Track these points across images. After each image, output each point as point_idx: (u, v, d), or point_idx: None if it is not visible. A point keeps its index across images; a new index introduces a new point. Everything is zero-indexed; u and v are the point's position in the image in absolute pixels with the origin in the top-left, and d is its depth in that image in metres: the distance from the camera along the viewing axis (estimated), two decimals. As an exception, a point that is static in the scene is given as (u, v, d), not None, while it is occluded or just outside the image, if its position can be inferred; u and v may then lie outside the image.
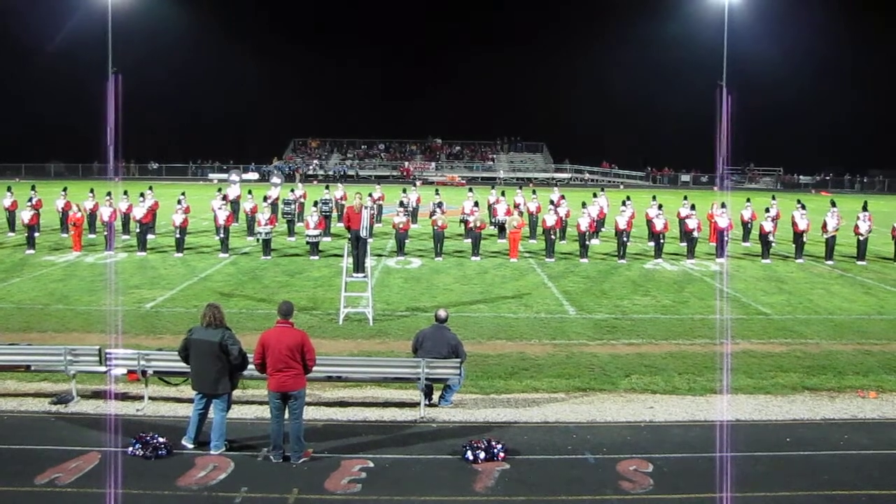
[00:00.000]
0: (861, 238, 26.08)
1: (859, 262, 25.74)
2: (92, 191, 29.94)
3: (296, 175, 68.71)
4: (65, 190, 30.45)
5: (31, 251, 25.28)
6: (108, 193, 27.69)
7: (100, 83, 57.38)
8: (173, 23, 73.52)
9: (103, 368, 11.91)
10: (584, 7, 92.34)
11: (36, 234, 26.66)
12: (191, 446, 10.17)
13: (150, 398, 11.94)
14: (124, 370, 11.95)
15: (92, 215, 28.89)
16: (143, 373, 11.74)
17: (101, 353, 11.94)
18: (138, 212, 26.15)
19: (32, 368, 12.27)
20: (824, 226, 26.42)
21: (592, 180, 78.99)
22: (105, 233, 26.68)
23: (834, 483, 9.58)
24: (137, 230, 26.11)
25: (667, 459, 10.14)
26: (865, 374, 13.82)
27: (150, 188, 29.27)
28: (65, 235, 28.33)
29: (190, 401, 10.73)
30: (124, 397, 12.18)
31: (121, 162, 64.25)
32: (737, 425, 11.43)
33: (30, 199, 27.48)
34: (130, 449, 9.97)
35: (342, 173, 76.18)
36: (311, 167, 78.57)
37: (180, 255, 25.04)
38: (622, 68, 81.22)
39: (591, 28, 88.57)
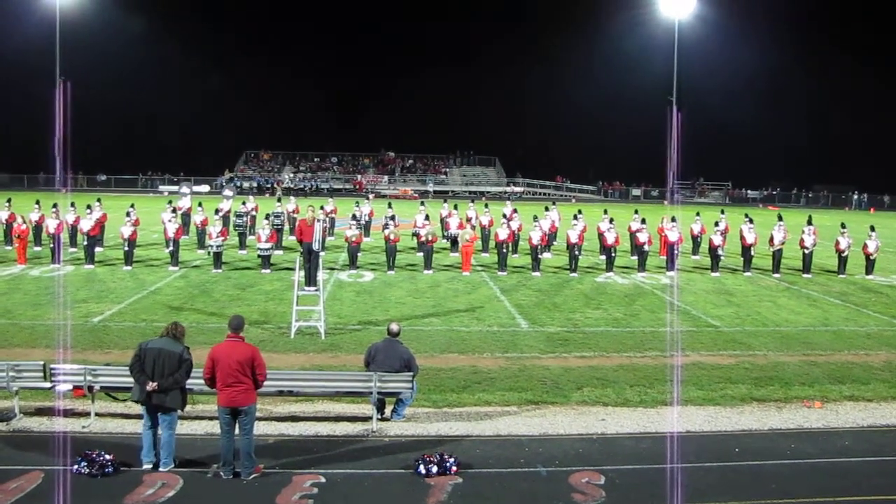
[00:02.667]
0: (806, 251, 26.64)
1: (805, 275, 26.29)
2: (38, 202, 29.30)
3: (276, 188, 67.67)
4: (9, 201, 29.79)
5: (-26, 264, 24.66)
6: (55, 205, 27.11)
7: (47, 91, 56.31)
8: (124, 32, 72.61)
9: (48, 384, 11.60)
10: (537, 23, 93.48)
11: (-22, 247, 26.04)
12: (150, 466, 9.90)
13: (96, 414, 11.67)
14: (70, 386, 11.65)
15: (37, 227, 28.27)
16: (90, 388, 11.47)
17: (45, 368, 11.62)
18: (86, 224, 25.64)
19: (-28, 385, 11.91)
20: (771, 239, 26.95)
21: (544, 194, 79.63)
22: (51, 245, 26.12)
23: (782, 492, 9.73)
24: (85, 243, 25.59)
25: (618, 471, 10.21)
26: (811, 385, 14.08)
27: (99, 200, 28.76)
28: (9, 248, 27.63)
29: (138, 416, 10.52)
30: (70, 414, 11.89)
31: (68, 173, 63.02)
32: (687, 436, 11.56)
33: (-28, 211, 26.85)
34: (76, 467, 9.72)
35: (315, 187, 75.23)
36: (286, 181, 77.30)
37: (129, 268, 24.61)
38: (574, 84, 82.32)
39: (544, 43, 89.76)
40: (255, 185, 73.97)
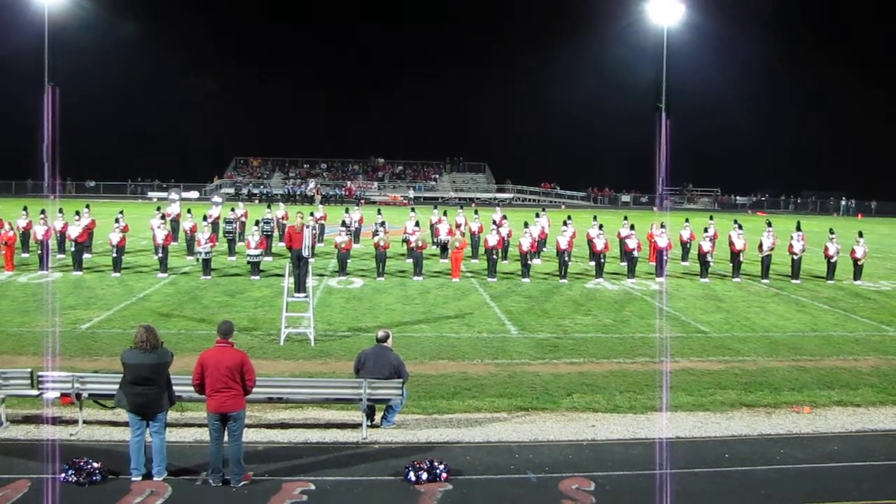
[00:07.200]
0: (795, 257, 26.75)
1: (794, 281, 26.39)
2: (25, 208, 29.16)
3: (316, 197, 66.97)
4: (-4, 208, 29.64)
5: (-39, 271, 24.48)
6: (43, 211, 26.96)
7: (35, 96, 56.06)
8: (113, 37, 72.26)
9: (35, 392, 11.54)
10: (527, 30, 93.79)
11: (-35, 254, 25.84)
12: (140, 478, 9.75)
13: (84, 422, 11.60)
14: (57, 393, 11.57)
15: (25, 234, 28.12)
16: (78, 396, 11.40)
17: (32, 375, 11.56)
18: (74, 230, 25.53)
19: (-41, 393, 11.81)
20: (760, 245, 27.04)
21: (534, 200, 79.71)
22: (39, 252, 25.97)
23: (771, 497, 9.74)
24: (73, 249, 25.48)
25: (608, 477, 10.20)
26: (800, 390, 14.13)
27: (87, 206, 28.65)
28: (-4, 255, 27.51)
29: (126, 423, 10.44)
30: (57, 422, 11.81)
31: (56, 179, 62.64)
32: (677, 442, 11.56)
33: (-42, 218, 26.63)
34: (63, 475, 9.65)
35: (340, 196, 74.43)
36: (318, 189, 76.21)
37: (118, 274, 24.49)
38: (564, 90, 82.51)
39: (533, 51, 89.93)
40: (281, 193, 73.34)
